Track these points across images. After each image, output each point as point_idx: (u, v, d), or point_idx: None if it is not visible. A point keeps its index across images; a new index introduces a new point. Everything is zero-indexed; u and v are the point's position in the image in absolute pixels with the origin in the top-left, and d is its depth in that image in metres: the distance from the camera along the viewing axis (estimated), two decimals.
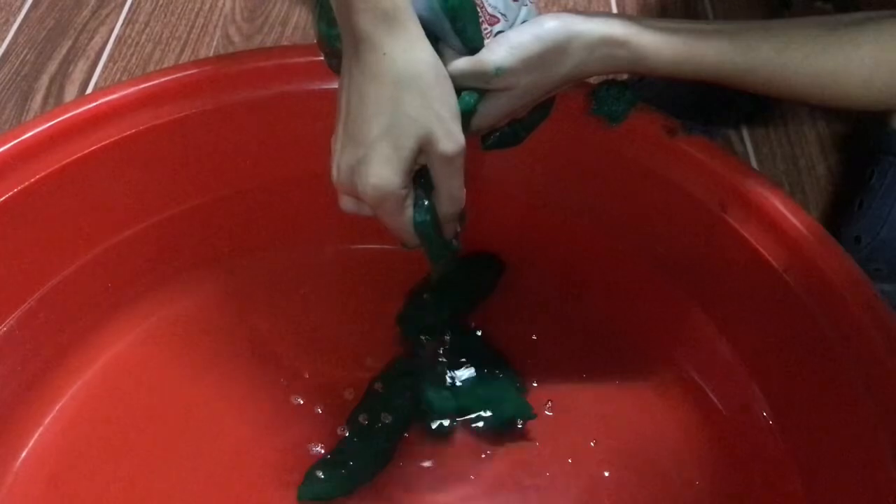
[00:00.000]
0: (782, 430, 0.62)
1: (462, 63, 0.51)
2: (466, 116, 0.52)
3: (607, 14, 0.55)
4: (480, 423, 0.66)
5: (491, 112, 0.53)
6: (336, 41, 0.52)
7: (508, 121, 0.58)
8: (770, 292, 0.61)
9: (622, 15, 0.54)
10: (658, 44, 0.53)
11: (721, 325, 0.67)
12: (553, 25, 0.51)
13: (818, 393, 0.59)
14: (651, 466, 0.64)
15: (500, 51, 0.50)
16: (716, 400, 0.67)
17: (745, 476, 0.63)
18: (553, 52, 0.51)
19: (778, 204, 0.61)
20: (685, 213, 0.65)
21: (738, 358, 0.66)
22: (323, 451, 0.64)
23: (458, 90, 0.50)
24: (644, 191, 0.66)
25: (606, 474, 0.64)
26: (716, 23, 0.54)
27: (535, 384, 0.68)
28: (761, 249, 0.61)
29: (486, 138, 0.60)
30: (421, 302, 0.73)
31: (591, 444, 0.65)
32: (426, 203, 0.52)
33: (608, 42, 0.52)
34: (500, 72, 0.50)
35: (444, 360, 0.69)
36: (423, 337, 0.70)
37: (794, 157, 0.89)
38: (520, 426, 0.66)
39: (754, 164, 0.88)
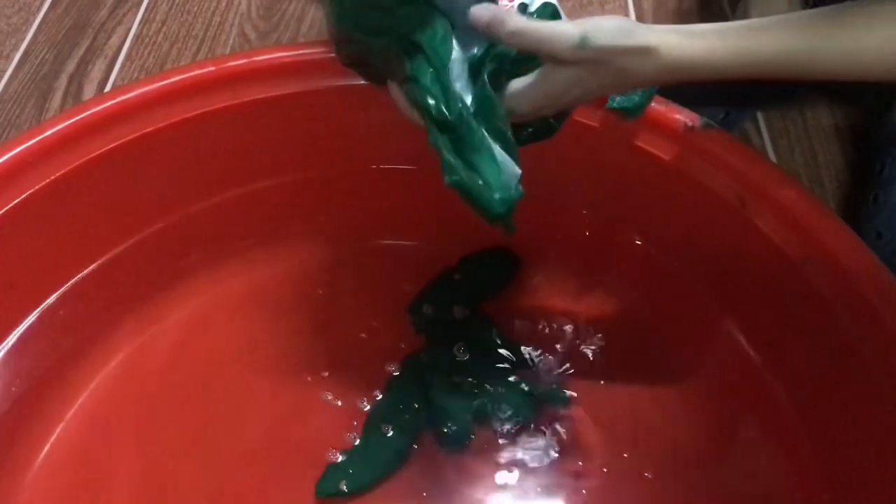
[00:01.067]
0: (804, 422, 0.61)
1: (536, 25, 0.49)
2: None
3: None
4: (496, 420, 0.66)
5: (557, 89, 0.51)
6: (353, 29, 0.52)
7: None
8: (789, 286, 0.60)
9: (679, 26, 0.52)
10: (710, 42, 0.50)
11: (740, 319, 0.67)
12: (620, 19, 0.51)
13: (840, 387, 0.58)
14: (672, 464, 0.64)
15: (585, 27, 0.49)
16: (736, 393, 0.66)
17: (771, 469, 0.63)
18: (622, 39, 0.49)
19: (797, 197, 0.60)
20: (703, 207, 0.65)
21: (757, 352, 0.65)
22: (342, 447, 0.64)
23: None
24: (661, 185, 0.66)
25: (621, 474, 0.64)
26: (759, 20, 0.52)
27: (553, 382, 0.68)
28: (779, 243, 0.61)
29: (519, 132, 0.58)
30: (432, 293, 0.73)
31: (609, 441, 0.65)
32: None
33: (660, 47, 0.50)
34: (586, 41, 0.48)
35: (458, 354, 0.69)
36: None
37: (812, 150, 0.89)
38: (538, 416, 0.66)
39: (772, 157, 0.87)
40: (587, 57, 0.49)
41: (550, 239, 0.74)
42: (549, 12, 0.55)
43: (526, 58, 0.52)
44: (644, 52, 0.49)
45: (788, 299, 0.61)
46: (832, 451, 0.59)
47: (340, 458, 0.63)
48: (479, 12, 0.50)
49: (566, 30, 0.48)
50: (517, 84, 0.52)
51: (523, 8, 0.57)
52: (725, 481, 0.63)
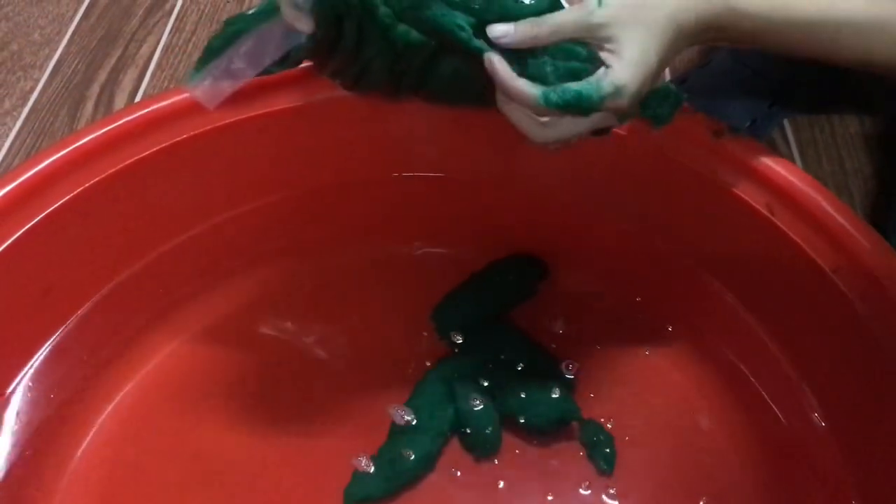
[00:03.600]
0: (834, 432, 0.61)
1: (561, 11, 0.49)
2: None
3: None
4: (525, 426, 0.66)
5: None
6: None
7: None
8: (820, 294, 0.60)
9: None
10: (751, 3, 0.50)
11: (771, 327, 0.66)
12: None
13: (871, 394, 0.58)
14: (706, 475, 0.64)
15: None
16: (768, 401, 0.66)
17: (799, 482, 0.62)
18: None
19: (826, 205, 0.60)
20: (731, 215, 0.65)
21: (789, 360, 0.65)
22: (369, 454, 0.64)
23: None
24: (690, 193, 0.66)
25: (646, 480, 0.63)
26: None
27: (583, 390, 0.68)
28: (809, 251, 0.60)
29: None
30: (456, 299, 0.73)
31: (636, 451, 0.65)
32: None
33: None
34: (602, 2, 0.48)
35: (485, 361, 0.69)
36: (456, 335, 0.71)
37: (840, 158, 0.88)
38: (567, 423, 0.66)
39: (799, 165, 0.87)
40: (615, 13, 0.48)
41: (578, 246, 0.74)
42: None
43: None
44: None
45: (819, 307, 0.61)
46: (861, 452, 0.59)
47: (366, 463, 0.64)
48: (503, 34, 0.49)
49: (587, 2, 0.48)
50: (606, 70, 0.49)
51: None
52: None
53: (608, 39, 0.48)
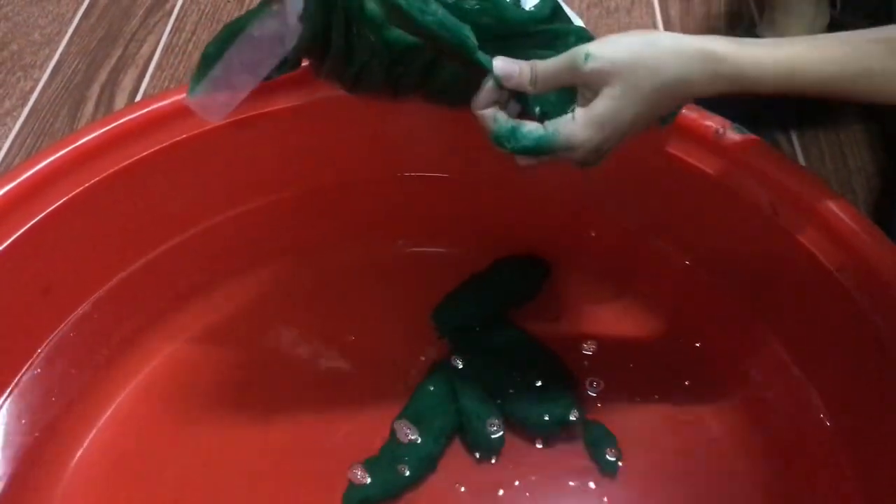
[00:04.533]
0: (840, 432, 0.61)
1: (552, 60, 0.50)
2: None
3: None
4: (528, 427, 0.66)
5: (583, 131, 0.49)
6: None
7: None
8: (823, 293, 0.60)
9: (719, 36, 0.51)
10: (759, 55, 0.49)
11: (775, 326, 0.66)
12: (642, 31, 0.50)
13: (876, 392, 0.57)
14: (711, 477, 0.64)
15: (589, 45, 0.49)
16: (773, 401, 0.66)
17: (805, 482, 0.62)
18: (644, 48, 0.48)
19: (829, 204, 0.60)
20: (733, 214, 0.64)
21: (794, 359, 0.65)
22: (369, 455, 0.64)
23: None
24: (691, 191, 0.66)
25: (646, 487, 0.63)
26: (813, 36, 0.51)
27: (587, 391, 0.68)
28: (813, 249, 0.60)
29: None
30: (457, 298, 0.73)
31: (639, 452, 0.65)
32: None
33: (705, 55, 0.49)
34: (589, 57, 0.48)
35: (488, 361, 0.69)
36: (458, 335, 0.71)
37: (843, 156, 0.88)
38: (570, 423, 0.66)
39: (802, 163, 0.87)
40: (602, 69, 0.48)
41: (580, 246, 0.74)
42: (549, 6, 0.55)
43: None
44: (674, 51, 0.48)
45: (823, 306, 0.61)
46: (868, 457, 0.59)
47: (367, 467, 0.63)
48: (504, 72, 0.50)
49: (576, 50, 0.48)
50: (568, 121, 0.49)
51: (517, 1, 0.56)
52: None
53: (593, 91, 0.49)
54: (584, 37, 0.56)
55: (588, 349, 0.70)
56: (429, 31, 0.51)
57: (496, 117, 0.50)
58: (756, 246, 0.64)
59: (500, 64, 0.50)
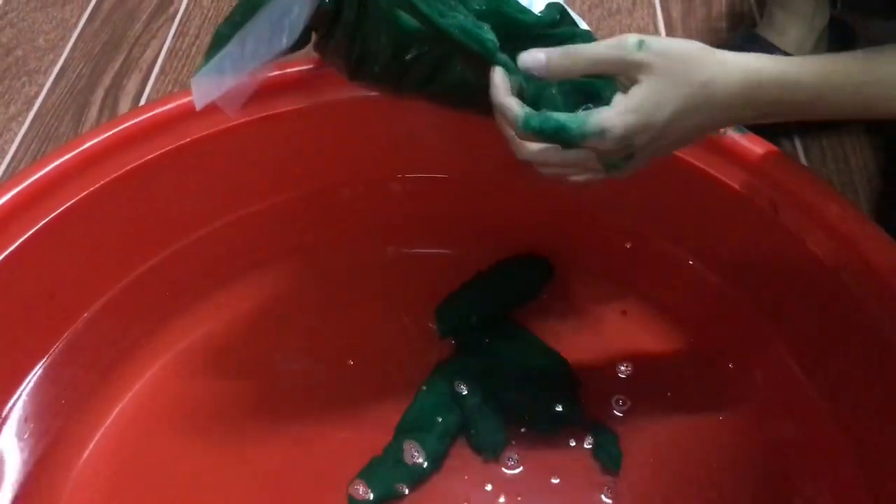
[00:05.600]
0: (845, 433, 0.61)
1: (595, 43, 0.49)
2: None
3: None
4: (531, 426, 0.66)
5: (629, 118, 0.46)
6: None
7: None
8: (824, 292, 0.60)
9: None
10: (799, 72, 0.48)
11: (777, 326, 0.66)
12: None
13: (878, 390, 0.58)
14: (713, 476, 0.64)
15: (638, 35, 0.48)
16: (776, 401, 0.66)
17: (810, 480, 0.62)
18: (693, 48, 0.47)
19: (830, 203, 0.60)
20: (734, 213, 0.64)
21: (795, 359, 0.65)
22: (373, 454, 0.64)
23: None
24: (692, 190, 0.66)
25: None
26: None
27: (589, 390, 0.68)
28: (814, 248, 0.60)
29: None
30: (459, 298, 0.73)
31: (643, 447, 0.65)
32: None
33: (747, 74, 0.47)
34: (642, 45, 0.46)
35: (486, 361, 0.69)
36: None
37: (844, 156, 0.88)
38: (573, 422, 0.66)
39: (804, 162, 0.87)
40: (651, 59, 0.46)
41: (582, 246, 0.74)
42: (557, 10, 0.55)
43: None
44: (720, 61, 0.47)
45: (825, 305, 0.61)
46: (871, 452, 0.59)
47: (373, 466, 0.64)
48: (534, 62, 0.48)
49: (626, 37, 0.47)
50: (603, 108, 0.47)
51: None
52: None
53: (633, 79, 0.47)
54: (589, 40, 0.56)
55: (591, 349, 0.70)
56: (448, 35, 0.51)
57: (518, 104, 0.48)
58: (758, 245, 0.64)
59: (529, 57, 0.48)
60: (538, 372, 0.68)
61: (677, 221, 0.69)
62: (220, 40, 0.56)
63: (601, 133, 0.46)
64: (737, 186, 0.63)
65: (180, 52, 1.04)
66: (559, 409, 0.66)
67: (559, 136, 0.47)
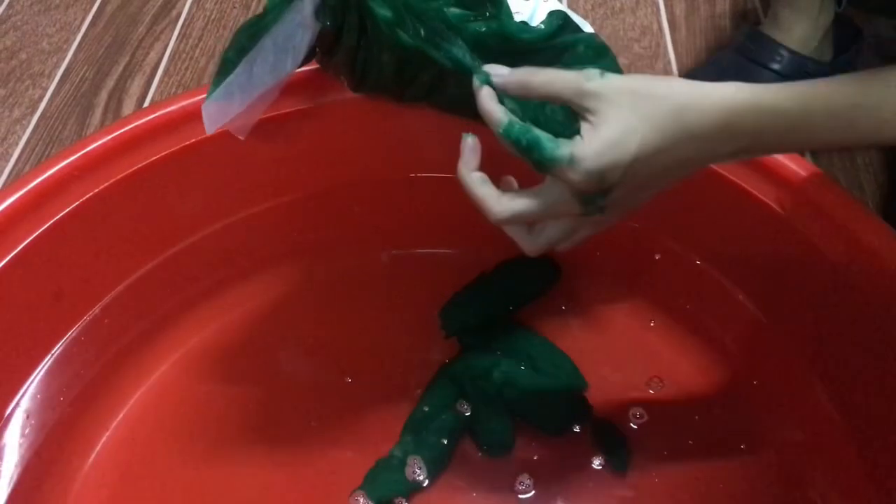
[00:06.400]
0: (854, 437, 0.60)
1: (562, 71, 0.47)
2: None
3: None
4: (538, 426, 0.66)
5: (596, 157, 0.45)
6: None
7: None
8: (831, 290, 0.60)
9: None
10: (776, 98, 0.46)
11: (784, 326, 0.66)
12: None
13: (887, 387, 0.57)
14: (721, 475, 0.64)
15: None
16: (783, 402, 0.66)
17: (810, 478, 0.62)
18: (653, 80, 0.46)
19: (837, 200, 0.60)
20: (740, 211, 0.64)
21: (801, 356, 0.64)
22: (380, 455, 0.64)
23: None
24: (698, 189, 0.65)
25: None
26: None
27: (596, 390, 0.68)
28: (821, 246, 0.60)
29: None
30: (464, 299, 0.73)
31: (652, 448, 0.65)
32: None
33: (723, 101, 0.46)
34: (603, 76, 0.46)
35: (492, 361, 0.69)
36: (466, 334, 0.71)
37: (851, 153, 0.88)
38: (577, 430, 0.66)
39: (810, 160, 0.86)
40: (608, 91, 0.45)
41: (589, 247, 0.73)
42: (559, 19, 0.55)
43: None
44: (694, 89, 0.45)
45: (832, 303, 0.60)
46: (882, 462, 0.59)
47: (379, 466, 0.63)
48: (499, 74, 0.49)
49: (590, 69, 0.47)
50: (577, 138, 0.46)
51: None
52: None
53: (593, 112, 0.45)
54: (592, 44, 0.55)
55: (597, 350, 0.70)
56: (440, 64, 0.52)
57: (504, 111, 0.48)
58: (765, 244, 0.64)
59: (492, 68, 0.49)
60: (544, 372, 0.68)
61: (685, 221, 0.69)
62: (227, 66, 0.56)
63: (570, 160, 0.45)
64: (742, 184, 0.63)
65: (183, 55, 1.04)
66: (565, 407, 0.66)
67: (533, 153, 0.46)
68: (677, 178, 0.49)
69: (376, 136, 0.70)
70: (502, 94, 0.50)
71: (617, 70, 0.56)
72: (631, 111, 0.45)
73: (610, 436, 0.65)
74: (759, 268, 0.66)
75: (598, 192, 0.47)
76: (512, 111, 0.49)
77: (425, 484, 0.63)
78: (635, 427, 0.66)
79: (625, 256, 0.74)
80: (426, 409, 0.66)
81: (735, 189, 0.63)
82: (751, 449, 0.64)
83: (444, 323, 0.72)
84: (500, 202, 0.49)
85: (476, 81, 0.50)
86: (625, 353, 0.70)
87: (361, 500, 0.62)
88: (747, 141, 0.47)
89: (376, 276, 0.76)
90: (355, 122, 0.69)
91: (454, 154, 0.71)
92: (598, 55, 0.56)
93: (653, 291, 0.73)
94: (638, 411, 0.66)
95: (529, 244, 0.53)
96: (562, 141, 0.46)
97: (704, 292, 0.70)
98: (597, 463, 0.64)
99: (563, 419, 0.66)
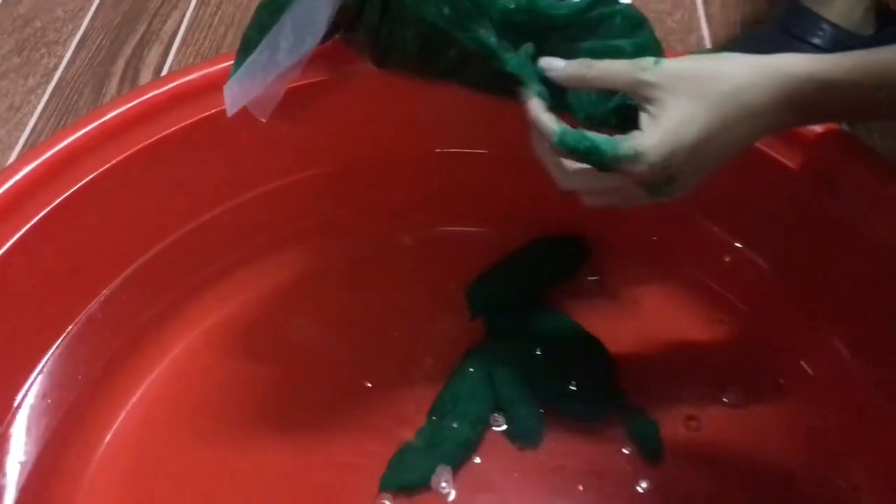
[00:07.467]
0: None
1: (619, 61, 0.48)
2: None
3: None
4: (568, 413, 0.64)
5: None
6: None
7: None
8: (879, 273, 0.57)
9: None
10: (834, 67, 0.45)
11: (831, 312, 0.63)
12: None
13: None
14: (754, 462, 0.62)
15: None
16: (819, 383, 0.64)
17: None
18: (707, 59, 0.46)
19: (884, 174, 0.57)
20: (786, 192, 0.62)
21: (844, 343, 0.62)
22: (404, 440, 0.62)
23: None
24: (741, 168, 0.62)
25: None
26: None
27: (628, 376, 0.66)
28: (865, 225, 0.58)
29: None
30: (491, 278, 0.71)
31: (684, 436, 0.63)
32: None
33: (782, 77, 0.45)
34: (657, 64, 0.46)
35: (520, 346, 0.66)
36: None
37: (892, 129, 0.85)
38: (607, 418, 0.63)
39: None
40: (664, 80, 0.45)
41: (623, 227, 0.71)
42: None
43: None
44: (750, 66, 0.45)
45: (880, 288, 0.58)
46: None
47: (403, 452, 0.62)
48: (552, 68, 0.50)
49: (645, 58, 0.47)
50: (636, 132, 0.46)
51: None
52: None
53: (651, 101, 0.46)
54: (629, 15, 0.53)
55: (628, 332, 0.68)
56: (465, 47, 0.50)
57: (555, 120, 0.48)
58: (809, 225, 0.61)
59: (547, 63, 0.49)
60: (573, 355, 0.66)
61: (724, 200, 0.66)
62: (249, 44, 0.55)
63: (634, 157, 0.45)
64: (784, 160, 0.60)
65: (202, 23, 1.01)
66: (595, 394, 0.64)
67: (592, 157, 0.46)
68: (735, 155, 0.48)
69: (405, 110, 0.67)
70: (531, 77, 0.50)
71: (654, 43, 0.54)
72: (689, 98, 0.45)
73: (642, 424, 0.63)
74: (807, 253, 0.64)
75: (664, 181, 0.47)
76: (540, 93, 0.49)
77: (450, 472, 0.61)
78: (668, 414, 0.63)
79: (657, 236, 0.71)
80: (452, 394, 0.64)
81: (780, 169, 0.61)
82: (791, 434, 0.62)
83: (470, 301, 0.70)
84: (570, 178, 0.50)
85: (525, 93, 0.50)
86: (656, 337, 0.68)
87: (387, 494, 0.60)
88: (808, 111, 0.46)
89: (400, 254, 0.74)
90: (381, 95, 0.66)
91: (489, 128, 0.69)
92: (634, 27, 0.54)
93: (685, 272, 0.70)
94: (671, 397, 0.64)
95: (590, 201, 0.52)
96: (619, 138, 0.46)
97: (747, 278, 0.68)
98: (628, 452, 0.62)
99: (593, 406, 0.63)
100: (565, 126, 0.48)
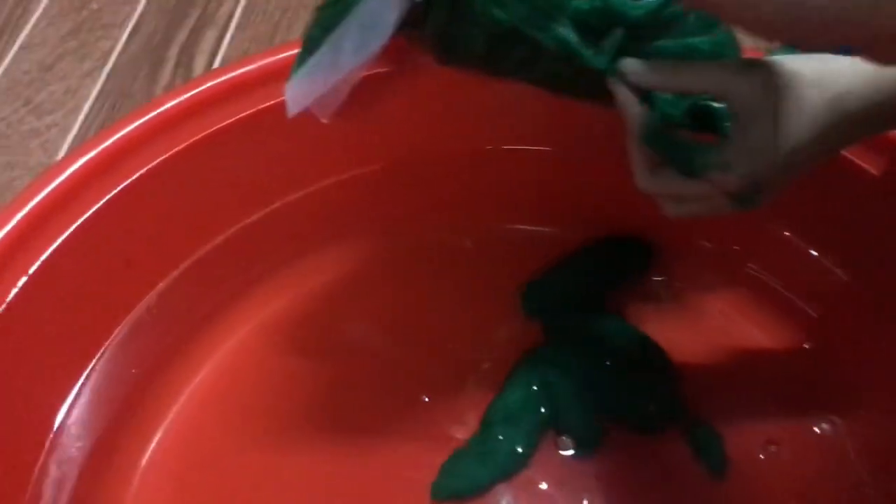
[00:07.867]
0: None
1: (708, 65, 0.45)
2: None
3: None
4: (626, 424, 0.62)
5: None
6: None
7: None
8: None
9: None
10: None
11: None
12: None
13: None
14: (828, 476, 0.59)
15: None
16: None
17: None
18: (806, 70, 0.43)
19: None
20: (864, 198, 0.59)
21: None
22: (457, 447, 0.61)
23: None
24: (822, 173, 0.59)
25: None
26: None
27: (691, 386, 0.63)
28: None
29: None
30: (549, 279, 0.69)
31: (750, 450, 0.60)
32: None
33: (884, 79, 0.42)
34: (753, 66, 0.43)
35: (578, 351, 0.64)
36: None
37: None
38: (668, 429, 0.61)
39: None
40: (761, 79, 0.42)
41: (690, 230, 0.69)
42: None
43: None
44: (851, 68, 0.41)
45: None
46: None
47: (456, 459, 0.60)
48: (634, 72, 0.45)
49: (740, 58, 0.45)
50: (727, 142, 0.43)
51: None
52: None
53: (744, 109, 0.42)
54: (703, 13, 0.50)
55: (692, 341, 0.65)
56: (543, 46, 0.48)
57: (647, 114, 0.46)
58: (893, 236, 0.58)
59: (629, 66, 0.45)
60: (634, 363, 0.63)
61: (796, 201, 0.63)
62: (311, 43, 0.53)
63: (722, 166, 0.43)
64: (847, 154, 0.57)
65: (258, 8, 1.00)
66: (657, 403, 0.62)
67: (679, 161, 0.45)
68: (832, 156, 0.46)
69: (466, 104, 0.65)
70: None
71: (732, 41, 0.51)
72: (785, 107, 0.41)
73: (706, 436, 0.60)
74: (881, 260, 0.60)
75: (752, 191, 0.44)
76: None
77: (504, 480, 0.59)
78: (734, 428, 0.61)
79: (725, 240, 0.68)
80: (507, 402, 0.62)
81: (857, 171, 0.57)
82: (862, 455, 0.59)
83: (525, 301, 0.68)
84: (652, 179, 0.47)
85: (615, 86, 0.46)
86: (725, 348, 0.65)
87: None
88: None
89: (456, 252, 0.72)
90: (443, 88, 0.64)
91: (553, 125, 0.67)
92: (710, 24, 0.51)
93: (761, 284, 0.68)
94: (745, 415, 0.62)
95: (672, 210, 0.49)
96: (710, 146, 0.44)
97: (822, 288, 0.65)
98: (691, 465, 0.59)
99: (653, 417, 0.61)
100: (657, 124, 0.45)
